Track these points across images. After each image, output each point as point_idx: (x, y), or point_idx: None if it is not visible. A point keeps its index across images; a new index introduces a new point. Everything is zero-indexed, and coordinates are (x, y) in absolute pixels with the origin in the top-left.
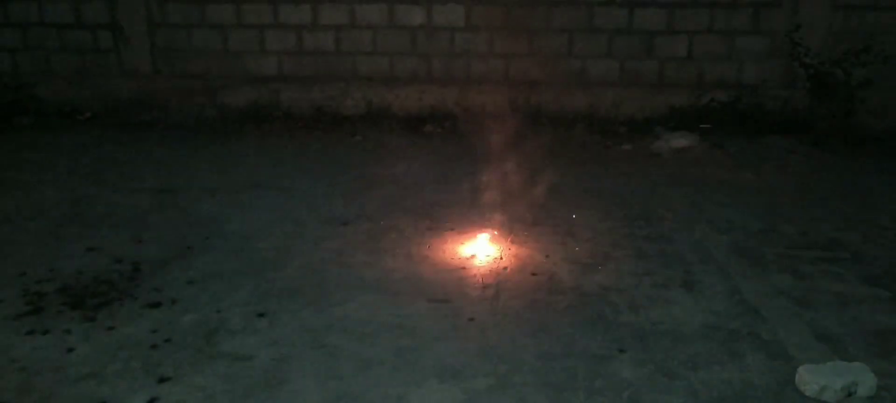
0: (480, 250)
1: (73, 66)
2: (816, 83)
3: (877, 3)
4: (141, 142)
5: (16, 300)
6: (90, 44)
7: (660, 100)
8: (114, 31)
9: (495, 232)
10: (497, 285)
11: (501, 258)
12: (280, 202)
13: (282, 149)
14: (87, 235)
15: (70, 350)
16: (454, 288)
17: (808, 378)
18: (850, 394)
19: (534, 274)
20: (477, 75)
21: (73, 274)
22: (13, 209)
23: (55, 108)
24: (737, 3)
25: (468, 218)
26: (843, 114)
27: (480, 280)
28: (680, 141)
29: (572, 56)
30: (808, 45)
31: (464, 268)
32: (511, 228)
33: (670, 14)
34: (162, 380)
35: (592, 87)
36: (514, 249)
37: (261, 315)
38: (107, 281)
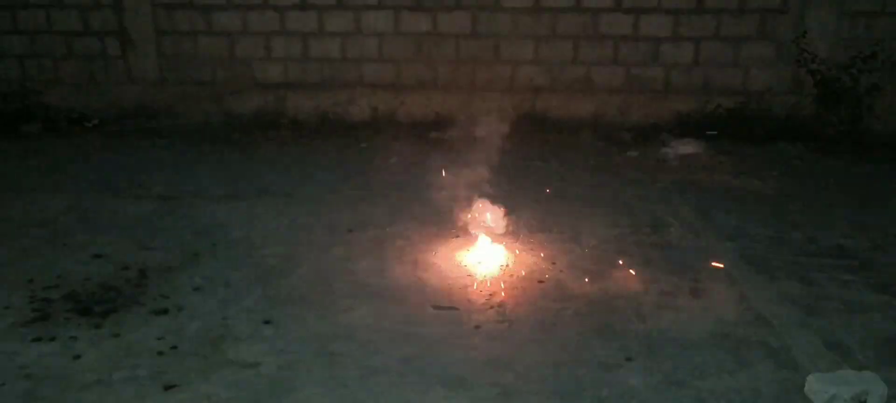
0: (487, 257)
1: (81, 73)
2: (824, 89)
3: (884, 8)
4: (148, 149)
5: (23, 306)
6: (98, 51)
7: (666, 107)
8: (121, 39)
9: (501, 239)
10: (503, 292)
11: (508, 265)
12: (286, 209)
13: (288, 156)
14: (94, 242)
15: (76, 357)
16: (460, 296)
17: (818, 386)
18: None
19: (540, 282)
20: (482, 82)
21: (79, 281)
22: (20, 215)
23: (63, 115)
24: (743, 9)
25: (474, 225)
26: (851, 120)
27: (487, 287)
28: (686, 147)
29: (577, 62)
30: (814, 52)
31: (470, 276)
32: (517, 235)
33: (676, 20)
34: (168, 388)
35: (598, 94)
36: (520, 256)
37: (267, 322)
38: (113, 287)
